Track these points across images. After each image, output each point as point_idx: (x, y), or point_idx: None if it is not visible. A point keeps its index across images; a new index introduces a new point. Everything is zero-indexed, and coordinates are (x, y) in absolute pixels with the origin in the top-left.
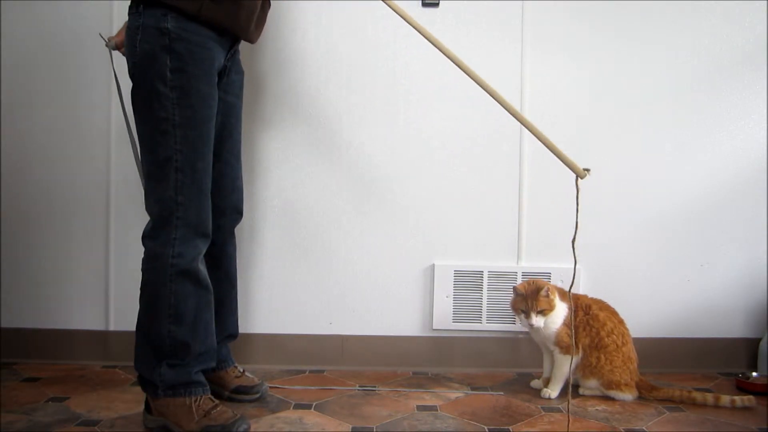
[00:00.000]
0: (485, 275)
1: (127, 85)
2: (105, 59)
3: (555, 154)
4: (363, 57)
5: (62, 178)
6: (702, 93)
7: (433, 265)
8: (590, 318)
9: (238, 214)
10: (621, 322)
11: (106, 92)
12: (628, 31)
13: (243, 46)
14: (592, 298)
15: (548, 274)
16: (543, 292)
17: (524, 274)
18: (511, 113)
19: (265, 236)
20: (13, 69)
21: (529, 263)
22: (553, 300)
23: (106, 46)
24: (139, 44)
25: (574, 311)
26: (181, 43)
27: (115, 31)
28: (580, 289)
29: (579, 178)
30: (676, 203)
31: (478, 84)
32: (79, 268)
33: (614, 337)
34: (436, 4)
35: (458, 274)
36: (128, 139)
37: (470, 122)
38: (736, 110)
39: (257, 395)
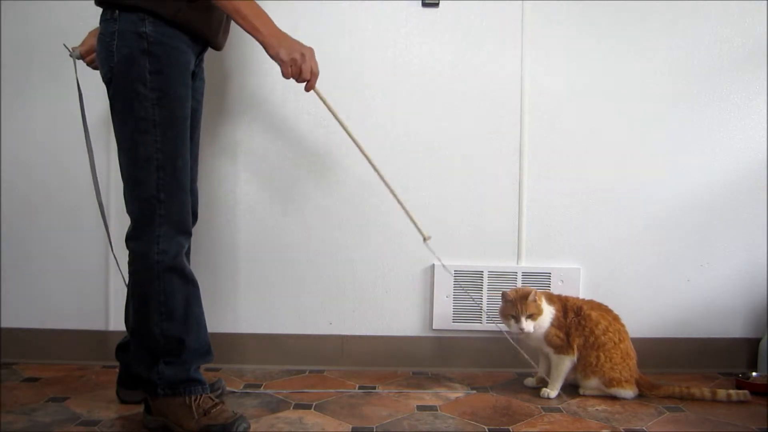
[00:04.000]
0: (485, 275)
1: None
2: None
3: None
4: (363, 57)
5: (62, 178)
6: (702, 93)
7: (433, 265)
8: (582, 318)
9: (193, 217)
10: (615, 319)
11: (104, 92)
12: (628, 31)
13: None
14: (582, 300)
15: (548, 274)
16: (531, 297)
17: (524, 274)
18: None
19: (265, 235)
20: (13, 69)
21: (529, 263)
22: (540, 304)
23: (70, 56)
24: (116, 49)
25: (564, 313)
26: (159, 46)
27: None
28: (579, 289)
29: (425, 240)
30: (676, 203)
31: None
32: (78, 268)
33: (610, 334)
34: (436, 4)
35: (458, 274)
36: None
37: (470, 122)
38: (736, 110)
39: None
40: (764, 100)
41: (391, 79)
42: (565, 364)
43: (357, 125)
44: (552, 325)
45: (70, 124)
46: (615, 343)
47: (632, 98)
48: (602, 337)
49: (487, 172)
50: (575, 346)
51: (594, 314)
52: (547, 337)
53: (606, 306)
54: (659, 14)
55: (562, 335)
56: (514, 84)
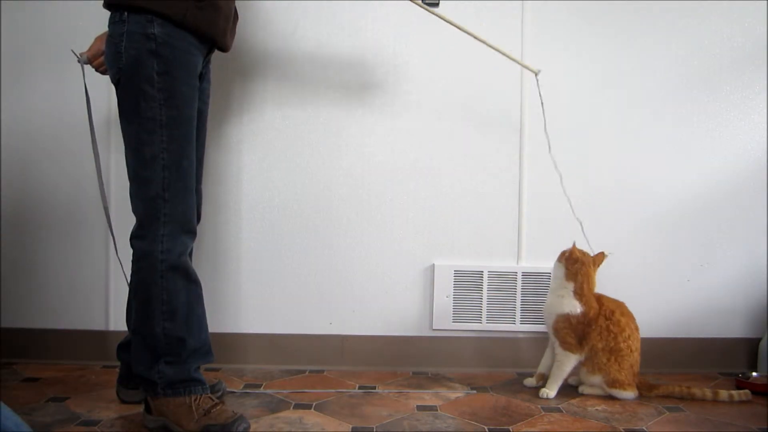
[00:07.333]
0: (485, 275)
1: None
2: None
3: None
4: (363, 57)
5: (62, 179)
6: (702, 93)
7: (433, 265)
8: (611, 324)
9: (197, 217)
10: (637, 328)
11: (105, 93)
12: (628, 31)
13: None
14: (615, 302)
15: (548, 274)
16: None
17: (524, 274)
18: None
19: (265, 236)
20: (12, 69)
21: (529, 263)
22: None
23: (78, 62)
24: (125, 50)
25: (596, 318)
26: (166, 47)
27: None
28: None
29: (536, 75)
30: (676, 203)
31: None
32: (79, 268)
33: (630, 342)
34: (436, 4)
35: (458, 274)
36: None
37: (470, 122)
38: (736, 110)
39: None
40: (764, 100)
41: (391, 79)
42: (570, 362)
43: (357, 125)
44: (568, 319)
45: (73, 123)
46: (630, 351)
47: (632, 98)
48: (622, 344)
49: (487, 171)
50: (589, 347)
51: (623, 321)
52: (559, 332)
53: (631, 313)
54: (660, 14)
55: (573, 334)
56: (514, 83)
